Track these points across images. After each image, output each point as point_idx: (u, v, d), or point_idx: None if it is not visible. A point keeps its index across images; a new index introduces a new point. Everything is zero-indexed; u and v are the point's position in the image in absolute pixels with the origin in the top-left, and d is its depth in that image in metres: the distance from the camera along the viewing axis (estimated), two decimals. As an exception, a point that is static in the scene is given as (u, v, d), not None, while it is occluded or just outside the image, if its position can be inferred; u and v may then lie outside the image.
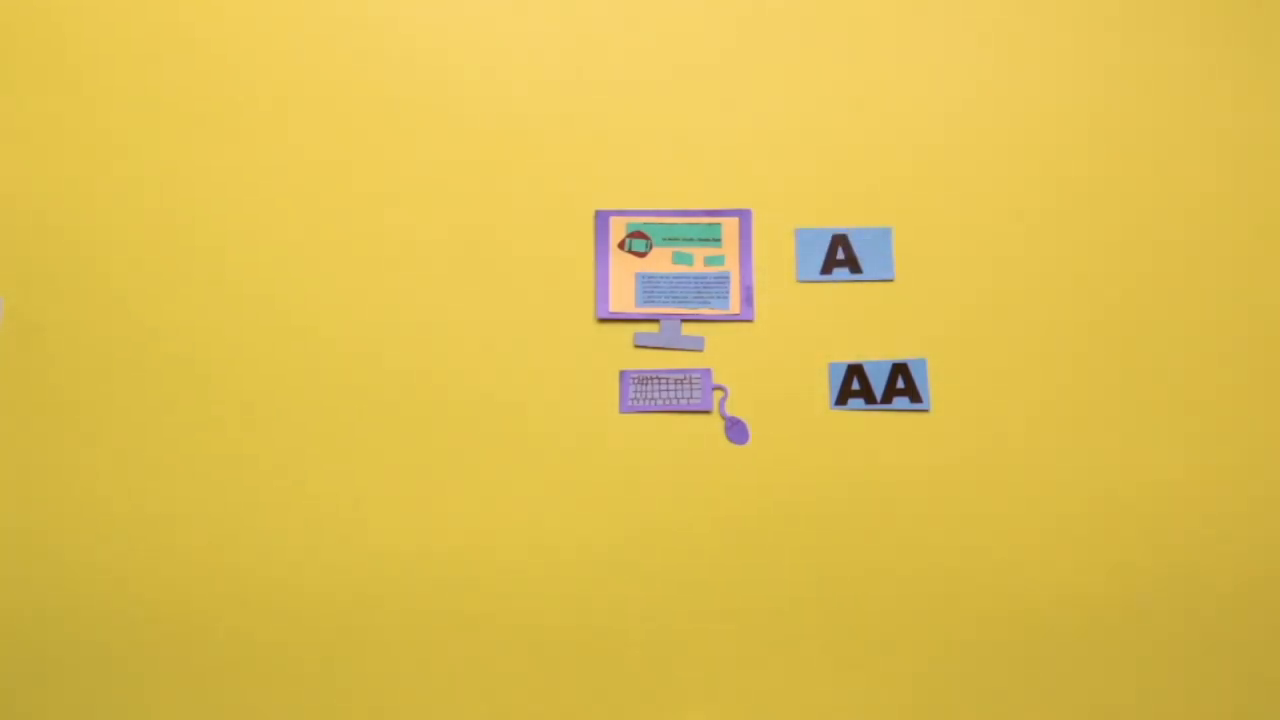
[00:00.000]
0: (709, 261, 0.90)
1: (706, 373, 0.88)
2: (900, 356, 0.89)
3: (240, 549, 0.87)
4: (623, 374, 0.89)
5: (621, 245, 0.90)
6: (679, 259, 0.90)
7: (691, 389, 0.88)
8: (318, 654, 0.85)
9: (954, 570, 0.86)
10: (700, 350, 0.89)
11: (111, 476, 0.88)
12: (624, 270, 0.90)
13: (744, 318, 0.89)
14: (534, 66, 0.93)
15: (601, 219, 0.91)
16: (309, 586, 0.86)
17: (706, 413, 0.88)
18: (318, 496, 0.87)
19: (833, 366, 0.88)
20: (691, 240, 0.90)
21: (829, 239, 0.90)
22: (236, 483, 0.87)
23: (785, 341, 0.89)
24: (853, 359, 0.89)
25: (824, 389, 0.88)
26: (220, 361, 0.89)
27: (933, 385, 0.88)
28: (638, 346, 0.89)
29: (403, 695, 0.85)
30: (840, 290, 0.90)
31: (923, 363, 0.88)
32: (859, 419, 0.88)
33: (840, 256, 0.90)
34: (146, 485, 0.88)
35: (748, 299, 0.89)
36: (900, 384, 0.88)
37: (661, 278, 0.90)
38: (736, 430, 0.88)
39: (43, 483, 0.87)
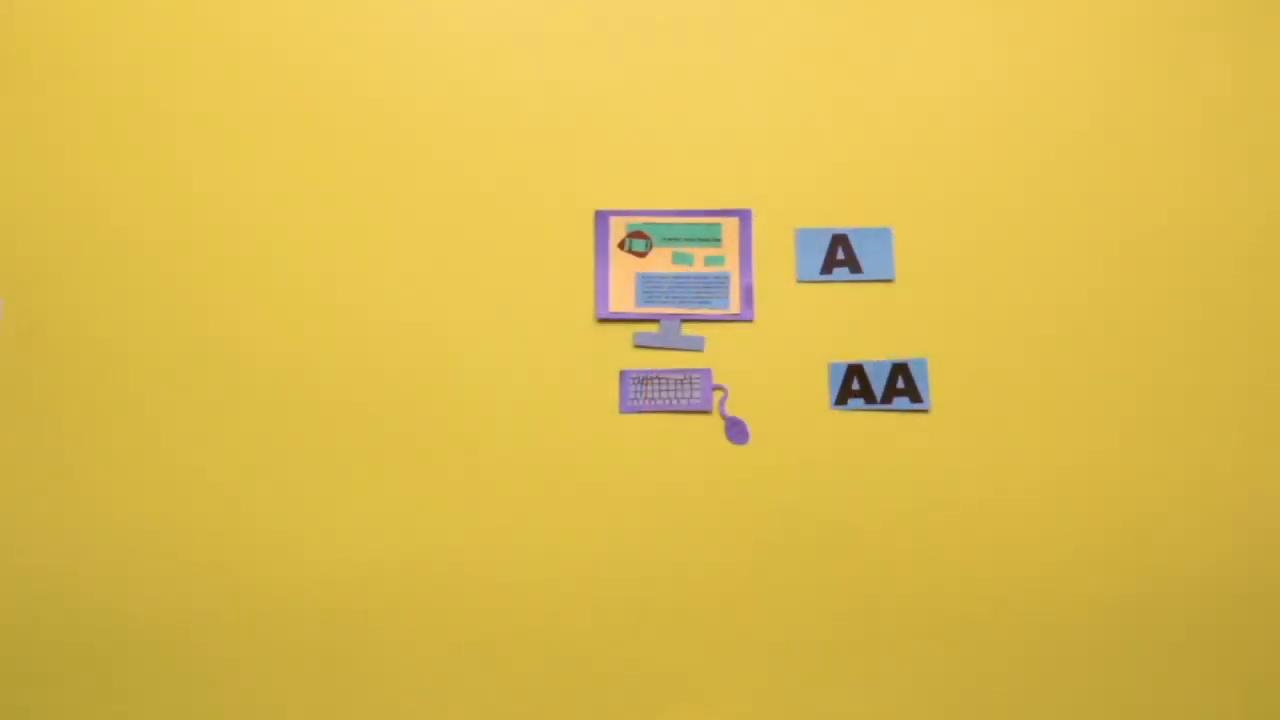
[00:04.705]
0: (709, 261, 0.90)
1: (706, 373, 0.88)
2: (900, 356, 0.89)
3: (239, 550, 0.87)
4: (623, 374, 0.89)
5: (621, 245, 0.90)
6: (679, 259, 0.90)
7: (691, 389, 0.88)
8: (315, 654, 0.85)
9: (954, 569, 0.86)
10: (700, 350, 0.89)
11: (111, 476, 0.88)
12: (624, 270, 0.90)
13: (744, 318, 0.89)
14: (534, 66, 0.93)
15: (601, 219, 0.91)
16: (305, 587, 0.86)
17: (706, 413, 0.88)
18: (317, 498, 0.87)
19: (833, 366, 0.88)
20: (691, 240, 0.90)
21: (829, 239, 0.90)
22: (236, 484, 0.87)
23: (785, 341, 0.89)
24: (853, 359, 0.89)
25: (824, 389, 0.88)
26: (220, 363, 0.89)
27: (933, 385, 0.88)
28: (637, 346, 0.89)
29: (400, 696, 0.85)
30: (840, 290, 0.90)
31: (923, 363, 0.88)
32: (859, 419, 0.88)
33: (840, 256, 0.90)
34: (146, 485, 0.88)
35: (747, 299, 0.89)
36: (900, 384, 0.88)
37: (661, 278, 0.90)
38: (736, 430, 0.88)
39: (41, 480, 0.88)
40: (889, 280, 0.90)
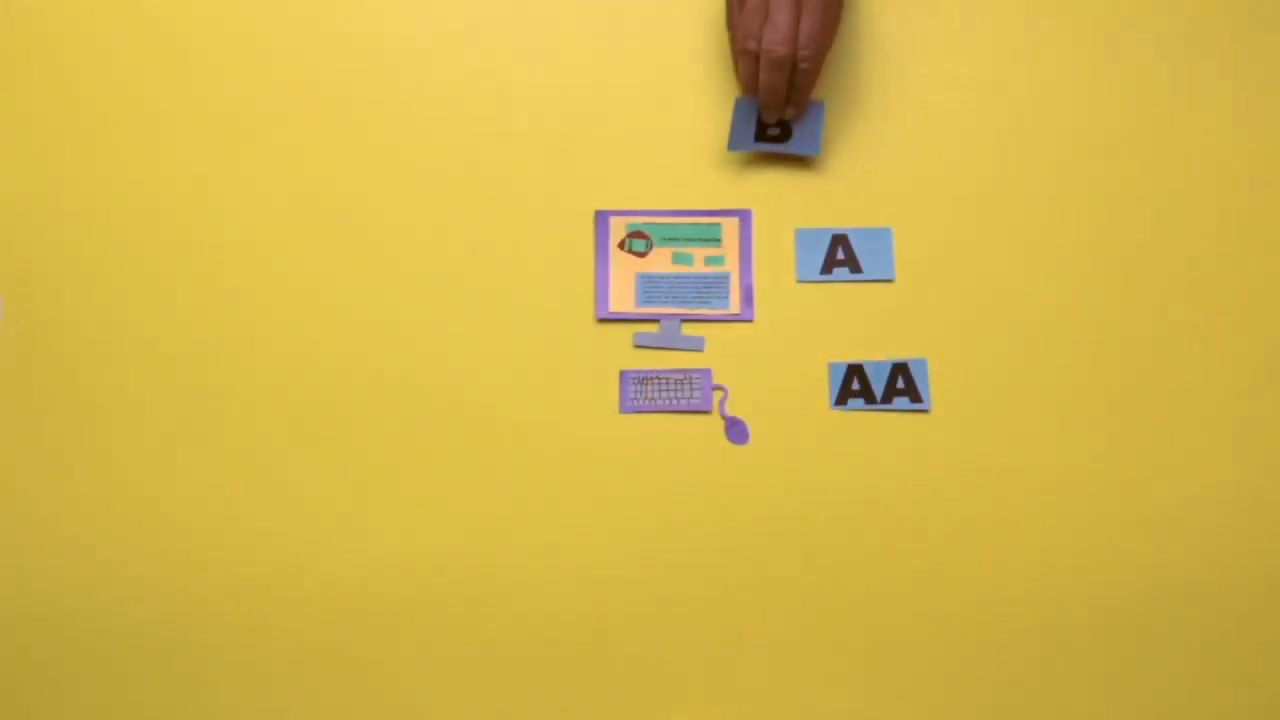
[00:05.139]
0: (709, 261, 0.90)
1: (706, 373, 0.89)
2: (900, 356, 0.89)
3: (239, 551, 0.87)
4: (623, 374, 0.89)
5: (621, 245, 0.90)
6: (679, 259, 0.90)
7: (691, 389, 0.88)
8: (315, 656, 0.86)
9: (955, 570, 0.86)
10: (700, 350, 0.89)
11: (111, 477, 0.88)
12: (624, 270, 0.90)
13: (744, 318, 0.89)
14: (534, 66, 0.93)
15: (601, 219, 0.91)
16: (305, 588, 0.86)
17: (706, 413, 0.88)
18: (315, 499, 0.87)
19: (833, 366, 0.88)
20: (691, 240, 0.90)
21: (829, 239, 0.90)
22: (236, 484, 0.87)
23: (785, 341, 0.89)
24: (853, 359, 0.89)
25: (824, 389, 0.88)
26: (220, 363, 0.89)
27: (933, 385, 0.88)
28: (638, 346, 0.89)
29: (401, 698, 0.85)
30: (840, 290, 0.90)
31: (923, 363, 0.88)
32: (859, 419, 0.88)
33: (840, 256, 0.90)
34: (147, 486, 0.88)
35: (747, 299, 0.90)
36: (900, 384, 0.88)
37: (661, 278, 0.90)
38: (736, 430, 0.88)
39: (42, 482, 0.88)
40: (889, 280, 0.90)
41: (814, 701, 0.85)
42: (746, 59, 0.88)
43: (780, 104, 0.89)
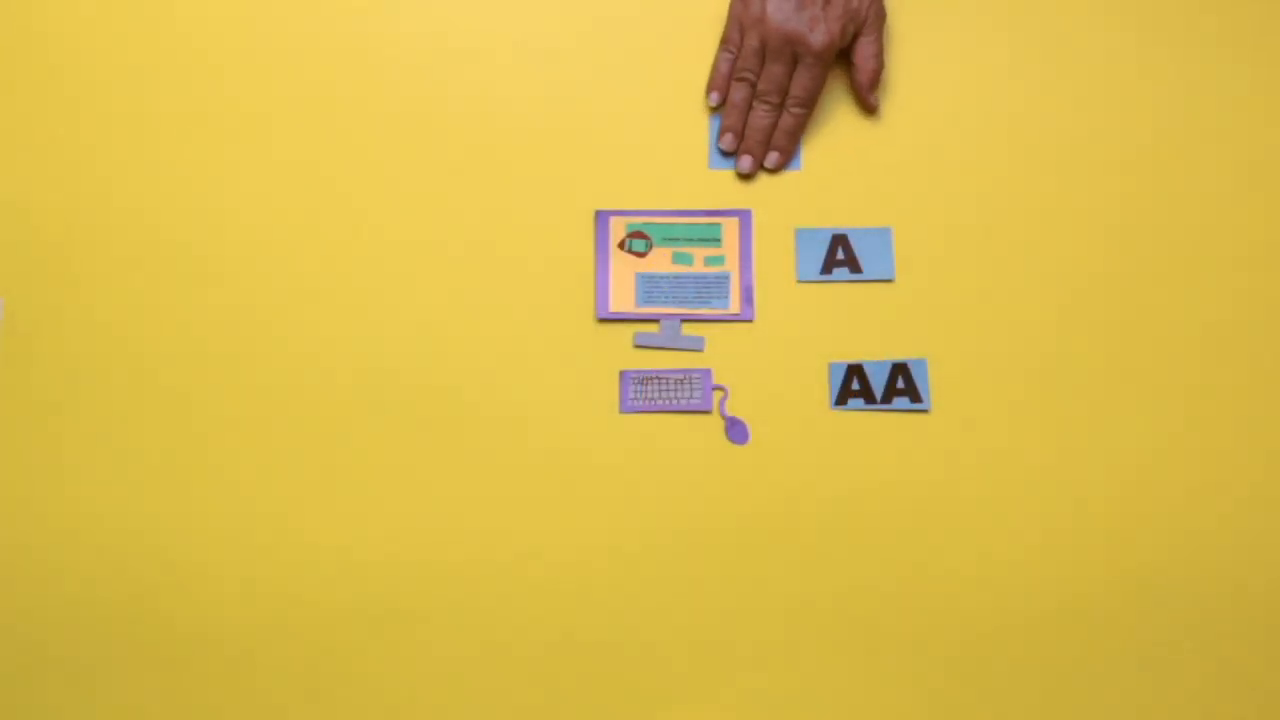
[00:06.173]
0: (709, 261, 0.90)
1: (706, 373, 0.89)
2: (900, 356, 0.89)
3: (239, 551, 0.87)
4: (623, 374, 0.89)
5: (621, 245, 0.90)
6: (679, 259, 0.90)
7: (691, 389, 0.88)
8: (315, 657, 0.85)
9: (955, 570, 0.86)
10: (700, 350, 0.89)
11: (112, 477, 0.88)
12: (624, 270, 0.90)
13: (744, 318, 0.89)
14: (534, 67, 0.93)
15: (601, 219, 0.91)
16: (305, 590, 0.86)
17: (706, 413, 0.88)
18: (315, 499, 0.87)
19: (833, 366, 0.88)
20: (691, 240, 0.90)
21: (829, 239, 0.90)
22: (237, 484, 0.87)
23: (785, 341, 0.89)
24: (853, 359, 0.89)
25: (824, 389, 0.88)
26: (221, 363, 0.89)
27: (933, 385, 0.88)
28: (638, 346, 0.89)
29: (400, 698, 0.85)
30: (840, 290, 0.90)
31: (923, 363, 0.88)
32: (859, 419, 0.88)
33: (840, 256, 0.90)
34: (147, 486, 0.88)
35: (747, 299, 0.90)
36: (900, 384, 0.88)
37: (661, 278, 0.90)
38: (736, 430, 0.88)
39: (42, 483, 0.88)
40: (889, 280, 0.90)
41: (813, 701, 0.85)
42: (741, 86, 0.90)
43: (763, 143, 0.91)
